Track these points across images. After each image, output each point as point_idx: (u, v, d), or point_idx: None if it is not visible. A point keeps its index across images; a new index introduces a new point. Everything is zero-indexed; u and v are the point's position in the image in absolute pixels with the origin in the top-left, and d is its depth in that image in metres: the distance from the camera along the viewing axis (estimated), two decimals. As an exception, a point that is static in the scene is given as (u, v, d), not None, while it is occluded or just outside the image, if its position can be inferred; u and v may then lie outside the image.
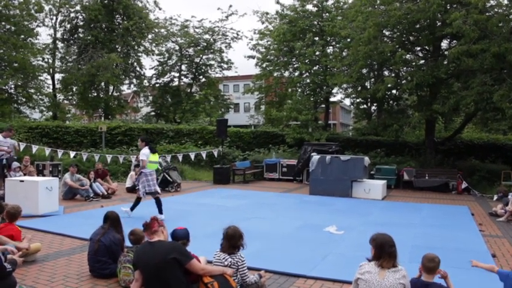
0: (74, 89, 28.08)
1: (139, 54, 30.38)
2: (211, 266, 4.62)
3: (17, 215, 6.04)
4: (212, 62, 31.65)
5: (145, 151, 9.30)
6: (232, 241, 4.68)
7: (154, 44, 30.22)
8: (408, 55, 18.21)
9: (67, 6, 26.84)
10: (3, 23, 22.25)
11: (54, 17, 27.65)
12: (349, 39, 19.55)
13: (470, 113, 18.77)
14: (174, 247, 4.31)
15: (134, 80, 30.57)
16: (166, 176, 14.66)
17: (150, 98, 32.94)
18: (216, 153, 19.77)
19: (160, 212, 9.35)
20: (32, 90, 24.74)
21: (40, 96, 25.63)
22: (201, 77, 32.10)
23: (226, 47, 31.12)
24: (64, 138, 20.22)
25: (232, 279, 4.46)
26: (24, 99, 24.68)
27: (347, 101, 30.22)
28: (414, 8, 15.23)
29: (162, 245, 4.29)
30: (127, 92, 35.20)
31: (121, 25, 28.25)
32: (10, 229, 5.87)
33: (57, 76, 28.35)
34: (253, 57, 26.45)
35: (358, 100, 24.61)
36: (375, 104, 25.22)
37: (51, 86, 28.14)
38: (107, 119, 28.74)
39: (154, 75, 31.53)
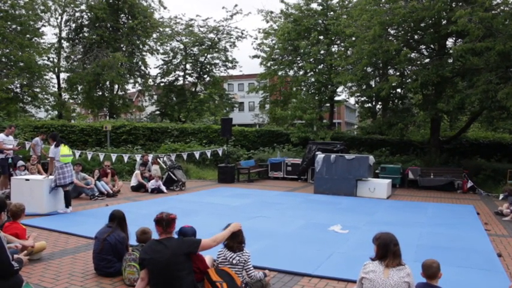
0: (79, 88, 28.18)
1: (144, 53, 30.43)
2: (218, 235, 4.60)
3: (19, 212, 6.04)
4: (217, 61, 31.65)
5: (52, 148, 9.74)
6: (239, 237, 4.70)
7: (159, 43, 30.25)
8: (413, 54, 18.16)
9: (72, 5, 26.93)
10: (9, 23, 22.35)
11: (60, 17, 27.78)
12: (353, 38, 19.50)
13: (476, 112, 18.69)
14: (182, 242, 4.34)
15: (139, 79, 30.61)
16: (171, 174, 14.70)
17: (155, 97, 33.00)
18: (220, 152, 19.81)
19: (67, 205, 9.81)
20: (38, 90, 24.84)
21: (45, 96, 25.74)
22: (205, 76, 32.11)
23: (230, 46, 31.13)
24: (69, 137, 20.33)
25: (237, 278, 4.48)
26: (29, 99, 24.78)
27: (352, 100, 30.16)
28: (419, 6, 15.18)
29: (171, 242, 4.29)
30: (132, 91, 35.30)
31: (126, 24, 28.31)
32: (15, 227, 5.90)
33: (63, 75, 28.50)
34: (257, 56, 26.43)
35: (362, 99, 24.57)
36: (379, 103, 25.16)
37: (56, 85, 28.30)
38: (111, 118, 28.83)
39: (159, 74, 31.58)
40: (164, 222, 4.34)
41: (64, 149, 9.83)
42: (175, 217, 4.45)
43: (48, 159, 10.11)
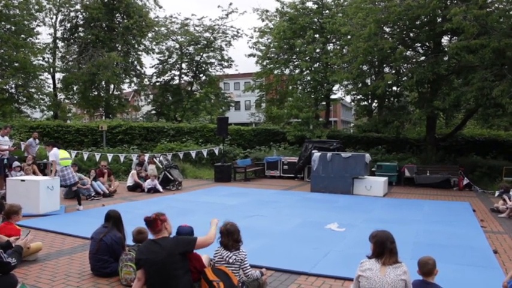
0: (75, 88, 28.09)
1: (140, 52, 30.38)
2: (210, 232, 4.64)
3: (11, 212, 5.99)
4: (212, 60, 31.63)
5: (53, 152, 10.04)
6: (234, 236, 4.69)
7: (154, 43, 30.20)
8: (408, 52, 18.18)
9: (67, 5, 26.83)
10: (3, 23, 22.24)
11: (54, 16, 27.70)
12: (349, 36, 19.51)
13: (471, 109, 18.74)
14: (178, 242, 4.32)
15: (135, 79, 30.58)
16: (168, 174, 14.66)
17: (151, 96, 32.95)
18: (217, 151, 19.80)
19: (79, 203, 10.44)
20: (33, 90, 24.73)
21: (41, 96, 25.63)
22: (201, 75, 32.08)
23: (226, 45, 31.11)
24: (65, 138, 20.27)
25: (234, 277, 4.47)
26: (25, 99, 24.68)
27: (348, 98, 30.21)
28: (414, 4, 15.19)
29: (167, 242, 4.27)
30: (128, 90, 35.23)
31: (121, 24, 28.23)
32: (10, 229, 5.87)
33: (58, 75, 28.40)
34: (253, 55, 26.42)
35: (358, 97, 24.58)
36: (375, 101, 25.20)
37: (51, 86, 28.20)
38: (107, 118, 28.77)
39: (154, 74, 31.54)
40: (148, 223, 4.34)
41: (62, 153, 10.24)
42: (154, 218, 4.33)
43: (51, 161, 10.57)
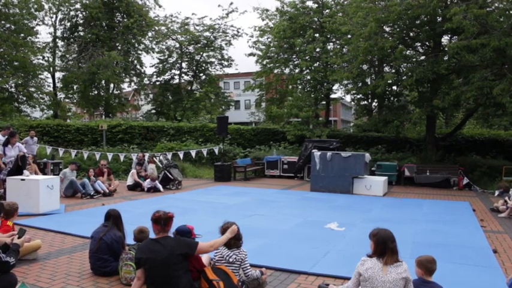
0: (75, 88, 28.05)
1: (140, 52, 30.37)
2: (216, 240, 4.60)
3: (12, 211, 5.94)
4: (212, 60, 31.61)
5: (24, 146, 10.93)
6: (236, 234, 4.70)
7: (154, 42, 30.19)
8: (408, 51, 18.18)
9: (67, 4, 26.81)
10: (2, 22, 22.23)
11: (54, 15, 27.67)
12: (349, 36, 19.51)
13: (471, 109, 18.75)
14: (179, 242, 4.33)
15: (134, 78, 30.57)
16: (167, 173, 14.67)
17: (151, 95, 32.93)
18: (216, 151, 19.80)
19: None
20: (33, 89, 24.72)
21: (41, 95, 25.62)
22: (201, 74, 32.07)
23: (226, 44, 31.09)
24: (65, 137, 20.28)
25: (234, 276, 4.48)
26: (24, 98, 24.67)
27: (348, 98, 30.22)
28: (414, 3, 15.20)
29: (168, 241, 4.28)
30: (127, 90, 35.22)
31: (121, 23, 28.21)
32: (5, 229, 5.85)
33: (58, 74, 28.37)
34: (253, 54, 26.41)
35: (358, 96, 24.58)
36: (375, 100, 25.19)
37: (51, 85, 28.18)
38: (107, 117, 28.78)
39: (154, 73, 31.51)
40: (162, 221, 4.32)
41: None
42: (173, 215, 4.43)
43: (23, 153, 11.09)
